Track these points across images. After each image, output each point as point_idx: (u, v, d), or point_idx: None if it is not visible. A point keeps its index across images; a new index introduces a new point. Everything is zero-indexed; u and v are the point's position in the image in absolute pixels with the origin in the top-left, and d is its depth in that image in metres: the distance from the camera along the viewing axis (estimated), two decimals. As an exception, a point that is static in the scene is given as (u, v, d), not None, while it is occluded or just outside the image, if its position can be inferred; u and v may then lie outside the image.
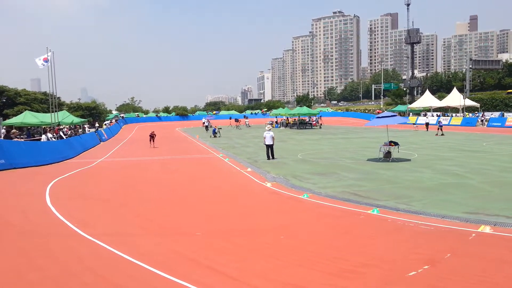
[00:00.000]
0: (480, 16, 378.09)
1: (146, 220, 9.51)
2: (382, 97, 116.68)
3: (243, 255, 6.84)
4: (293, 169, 17.07)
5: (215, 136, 39.90)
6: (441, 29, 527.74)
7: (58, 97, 53.83)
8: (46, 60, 28.26)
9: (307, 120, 59.04)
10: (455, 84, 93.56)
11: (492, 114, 56.08)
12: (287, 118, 61.91)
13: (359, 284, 5.45)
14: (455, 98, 60.75)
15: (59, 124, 35.60)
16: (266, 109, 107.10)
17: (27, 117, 33.96)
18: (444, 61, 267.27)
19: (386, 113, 21.93)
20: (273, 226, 8.88)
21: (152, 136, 31.36)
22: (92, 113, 67.76)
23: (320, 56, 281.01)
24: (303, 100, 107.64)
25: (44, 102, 54.59)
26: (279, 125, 60.61)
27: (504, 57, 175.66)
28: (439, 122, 40.33)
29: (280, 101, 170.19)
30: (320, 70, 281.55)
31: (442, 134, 35.21)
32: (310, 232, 8.33)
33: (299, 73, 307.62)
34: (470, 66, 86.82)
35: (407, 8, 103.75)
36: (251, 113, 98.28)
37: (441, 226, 8.18)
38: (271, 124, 59.94)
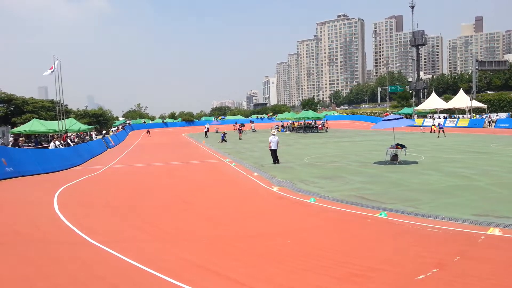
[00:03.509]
0: (486, 17, 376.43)
1: (153, 226, 9.53)
2: (388, 100, 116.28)
3: (250, 260, 6.83)
4: (299, 173, 17.04)
5: (222, 141, 39.97)
6: (446, 30, 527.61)
7: (65, 105, 54.30)
8: (52, 70, 28.58)
9: (313, 124, 58.99)
10: (462, 85, 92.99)
11: (498, 115, 55.73)
12: (293, 122, 61.91)
13: (367, 289, 5.42)
14: (461, 100, 60.47)
15: (66, 132, 35.87)
16: (271, 114, 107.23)
17: (35, 125, 34.31)
18: (450, 62, 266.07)
19: (392, 116, 21.85)
20: (280, 230, 8.86)
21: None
22: (99, 120, 68.32)
23: (325, 60, 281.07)
24: (309, 104, 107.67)
25: (51, 109, 55.06)
26: (285, 129, 60.61)
27: (510, 57, 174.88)
28: (439, 124, 40.27)
29: (286, 105, 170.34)
30: (325, 74, 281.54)
31: (439, 137, 34.85)
32: (318, 236, 8.29)
33: (304, 77, 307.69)
34: (476, 67, 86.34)
35: (412, 11, 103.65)
36: (257, 117, 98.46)
37: (449, 229, 8.11)
38: (276, 128, 60.08)
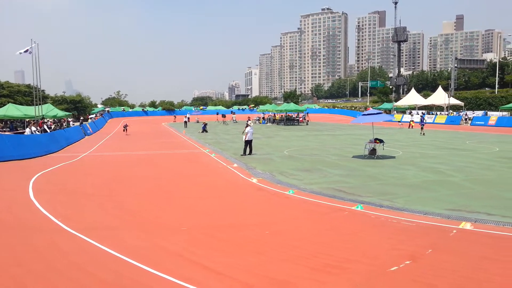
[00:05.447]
0: (466, 16, 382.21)
1: (131, 215, 9.48)
2: (368, 94, 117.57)
3: (228, 250, 6.87)
4: (279, 165, 17.13)
5: (203, 132, 39.72)
6: (428, 27, 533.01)
7: (42, 90, 52.95)
8: (26, 51, 27.80)
9: (294, 116, 59.25)
10: (441, 82, 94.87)
11: (474, 113, 57.02)
12: (274, 114, 62.05)
13: (342, 279, 5.54)
14: (440, 97, 61.60)
15: (43, 118, 35.15)
16: (253, 105, 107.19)
17: (10, 110, 33.47)
18: (430, 59, 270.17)
19: (371, 111, 22.14)
20: (259, 221, 8.93)
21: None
22: (77, 106, 67.03)
23: (308, 53, 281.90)
24: (291, 97, 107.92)
25: (27, 94, 53.75)
26: (266, 121, 60.68)
27: (488, 56, 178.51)
28: (421, 119, 40.69)
29: (268, 97, 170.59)
30: (308, 67, 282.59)
31: (423, 134, 34.88)
32: (295, 227, 8.40)
33: (287, 69, 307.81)
34: (456, 65, 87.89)
35: (395, 6, 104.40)
36: (238, 108, 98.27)
37: (423, 223, 8.32)
38: (258, 120, 60.10)
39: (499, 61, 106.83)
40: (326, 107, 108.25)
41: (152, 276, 5.60)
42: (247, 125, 21.16)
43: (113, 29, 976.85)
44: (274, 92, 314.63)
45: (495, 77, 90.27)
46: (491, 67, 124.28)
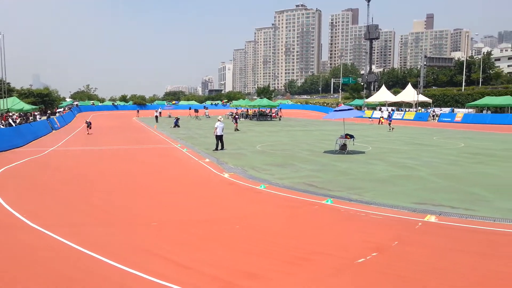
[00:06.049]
0: (436, 15, 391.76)
1: (99, 211, 9.31)
2: (340, 91, 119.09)
3: (198, 244, 6.86)
4: (251, 160, 17.17)
5: (175, 126, 39.28)
6: (399, 26, 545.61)
7: (8, 83, 51.20)
8: None
9: (267, 112, 59.42)
10: (410, 80, 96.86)
11: (441, 110, 58.66)
12: (247, 109, 62.06)
13: (311, 271, 5.62)
14: (409, 94, 62.97)
15: (8, 111, 34.00)
16: (226, 100, 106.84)
17: (-27, 103, 32.23)
18: (400, 57, 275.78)
19: (343, 107, 22.45)
20: (230, 216, 8.94)
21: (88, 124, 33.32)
22: (44, 100, 65.01)
23: (281, 49, 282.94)
24: (264, 92, 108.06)
25: (-8, 87, 51.80)
26: (239, 116, 60.62)
27: (456, 55, 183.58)
28: (389, 116, 41.61)
29: (241, 93, 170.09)
30: (282, 63, 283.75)
31: (393, 128, 35.55)
32: (266, 222, 8.44)
33: (260, 64, 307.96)
34: (425, 63, 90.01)
35: (368, 4, 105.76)
36: (212, 103, 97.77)
37: (390, 216, 8.52)
38: (231, 115, 59.95)
39: (466, 59, 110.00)
40: (299, 103, 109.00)
41: (120, 271, 5.54)
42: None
43: (83, 22, 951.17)
44: (247, 88, 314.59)
45: (462, 75, 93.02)
46: (458, 66, 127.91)
